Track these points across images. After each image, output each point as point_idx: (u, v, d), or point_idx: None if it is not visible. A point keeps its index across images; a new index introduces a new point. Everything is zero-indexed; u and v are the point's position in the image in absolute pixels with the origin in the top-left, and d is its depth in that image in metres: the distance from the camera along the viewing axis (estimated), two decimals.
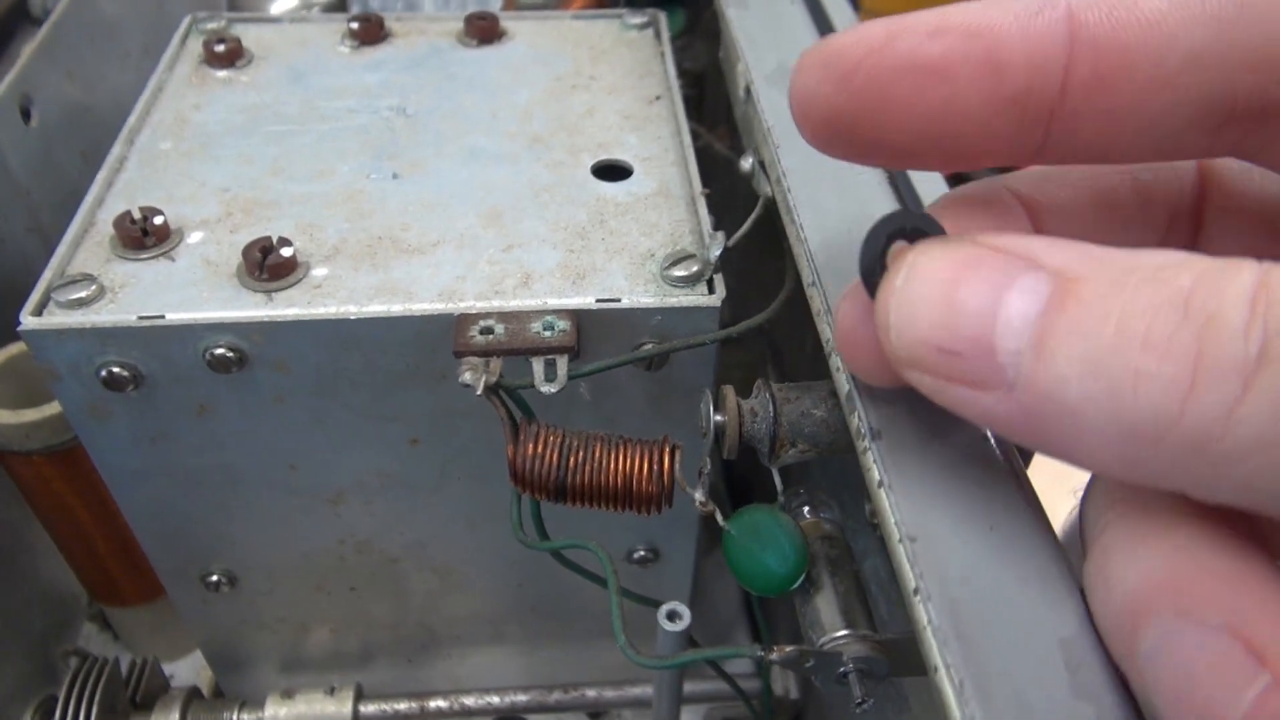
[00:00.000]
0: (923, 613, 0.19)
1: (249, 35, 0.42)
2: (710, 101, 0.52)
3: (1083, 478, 0.19)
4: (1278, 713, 0.13)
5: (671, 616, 0.35)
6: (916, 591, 0.19)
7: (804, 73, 0.19)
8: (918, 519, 0.20)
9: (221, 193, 0.34)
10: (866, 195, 0.30)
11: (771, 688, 0.43)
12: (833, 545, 0.28)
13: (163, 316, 0.29)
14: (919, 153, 0.20)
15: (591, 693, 0.43)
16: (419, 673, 0.45)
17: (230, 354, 0.29)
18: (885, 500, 0.20)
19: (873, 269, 0.19)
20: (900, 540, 0.20)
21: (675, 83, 0.40)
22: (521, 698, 0.42)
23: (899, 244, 0.19)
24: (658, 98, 0.40)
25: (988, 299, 0.16)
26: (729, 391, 0.27)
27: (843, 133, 0.19)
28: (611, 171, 0.36)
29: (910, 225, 0.19)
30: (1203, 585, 0.15)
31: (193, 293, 0.30)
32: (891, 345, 0.18)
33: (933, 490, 0.20)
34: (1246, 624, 0.14)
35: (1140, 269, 0.15)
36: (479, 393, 0.27)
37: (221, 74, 0.40)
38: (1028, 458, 0.26)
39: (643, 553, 0.39)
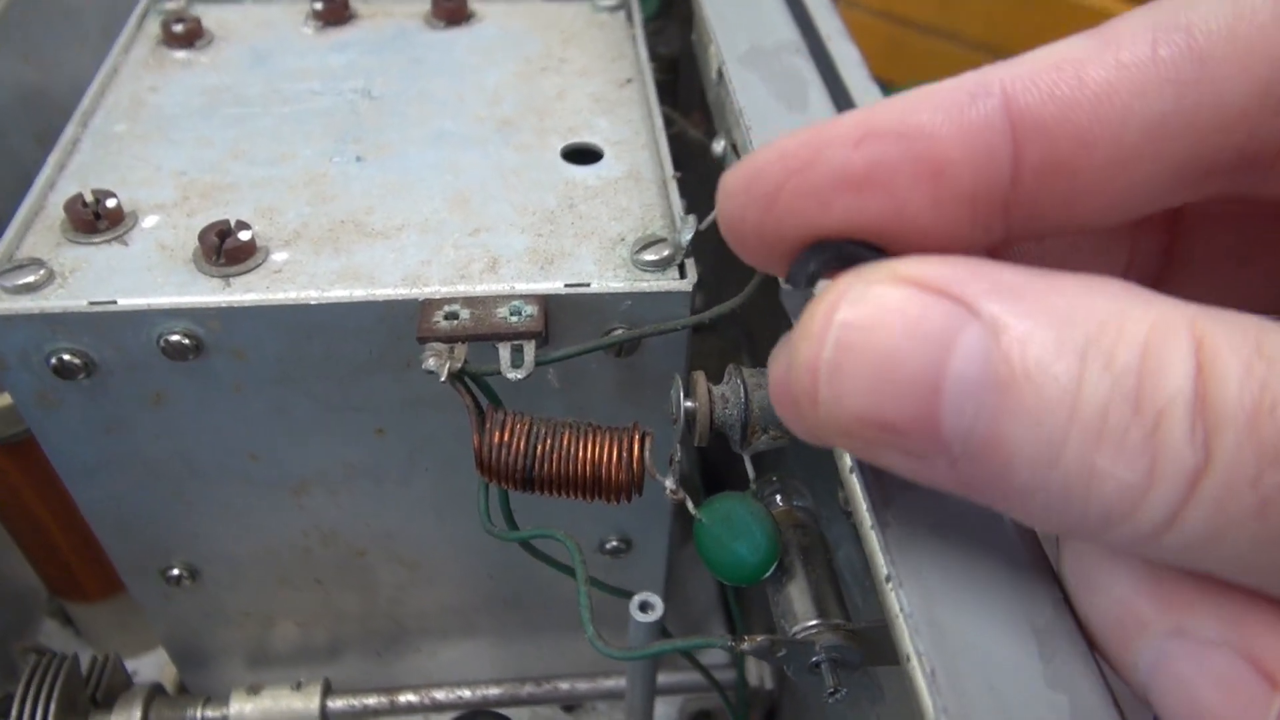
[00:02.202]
0: (895, 600, 0.18)
1: (209, 16, 0.41)
2: (684, 87, 0.51)
3: None
4: None
5: (644, 607, 0.34)
6: (889, 579, 0.18)
7: (728, 198, 0.18)
8: (891, 505, 0.19)
9: (178, 176, 0.33)
10: None
11: (747, 679, 0.43)
12: (805, 534, 0.28)
13: (115, 302, 0.28)
14: None
15: (565, 685, 0.42)
16: (389, 667, 0.44)
17: (186, 341, 0.28)
18: (857, 485, 0.20)
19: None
20: (872, 526, 0.19)
21: (647, 66, 0.39)
22: (493, 691, 0.42)
23: (823, 283, 0.17)
24: (629, 81, 0.39)
25: (929, 368, 0.14)
26: (700, 377, 0.27)
27: (778, 251, 0.17)
28: (581, 155, 0.35)
29: (843, 253, 0.17)
30: (1196, 597, 0.14)
31: (146, 278, 0.29)
32: (819, 419, 0.16)
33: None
34: (1251, 641, 0.14)
35: (1079, 327, 0.13)
36: (443, 379, 0.27)
37: (180, 55, 0.39)
38: None
39: (615, 543, 0.38)
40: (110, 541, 0.35)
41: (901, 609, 0.18)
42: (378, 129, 0.36)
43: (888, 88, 1.03)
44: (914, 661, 0.17)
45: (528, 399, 0.32)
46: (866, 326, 0.15)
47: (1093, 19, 0.16)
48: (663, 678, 0.43)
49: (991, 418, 0.14)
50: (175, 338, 0.28)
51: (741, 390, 0.26)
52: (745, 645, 0.25)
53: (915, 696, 0.17)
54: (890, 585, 0.18)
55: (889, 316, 0.15)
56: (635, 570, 0.39)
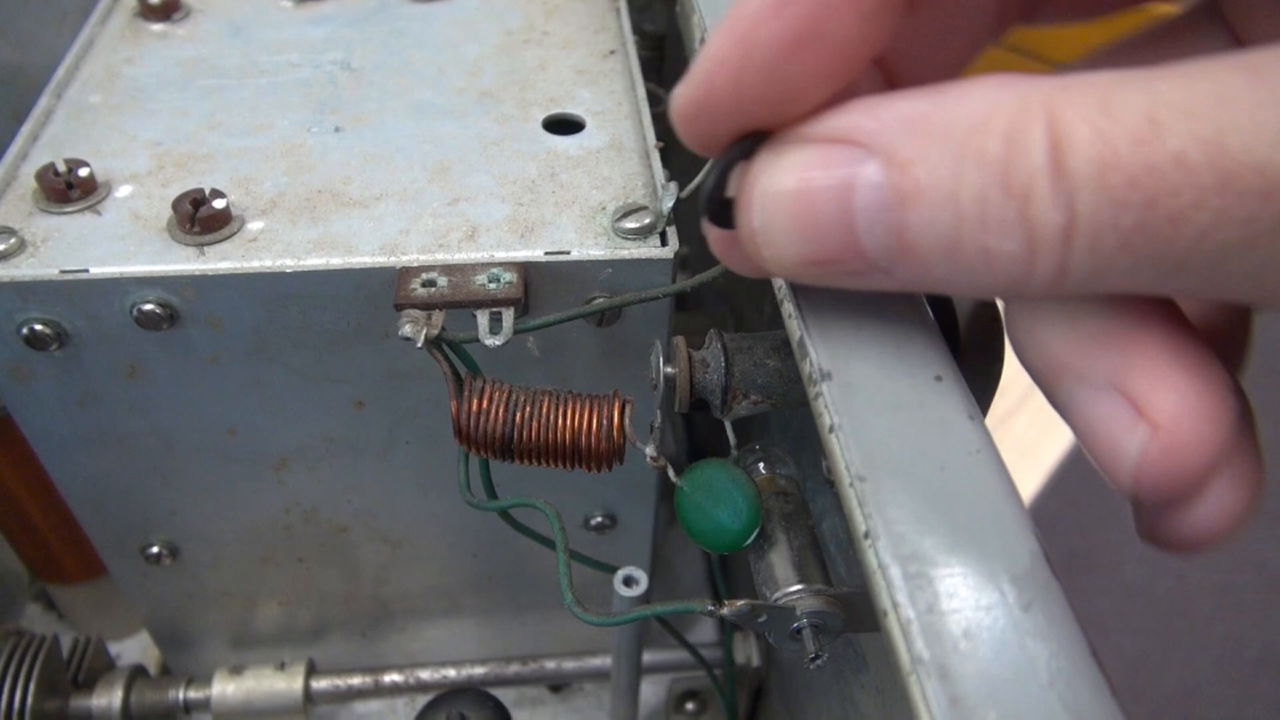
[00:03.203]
0: (871, 556, 0.18)
1: None
2: (670, 64, 0.51)
3: None
4: (1159, 452, 0.16)
5: (628, 581, 0.34)
6: (866, 535, 0.18)
7: (686, 123, 0.19)
8: (867, 460, 0.19)
9: (153, 146, 0.32)
10: None
11: (734, 657, 0.43)
12: (787, 501, 0.27)
13: (87, 270, 0.28)
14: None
15: (551, 664, 0.42)
16: (374, 646, 0.43)
17: (159, 310, 0.28)
18: (835, 444, 0.20)
19: (715, 207, 0.20)
20: (850, 484, 0.19)
21: (630, 37, 0.39)
22: (479, 670, 0.41)
23: (739, 166, 0.19)
24: (612, 52, 0.38)
25: (839, 210, 0.17)
26: (680, 342, 0.27)
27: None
28: (563, 125, 0.35)
29: (746, 147, 0.19)
30: (1095, 349, 0.17)
31: (119, 246, 0.28)
32: (771, 269, 0.19)
33: (883, 431, 0.20)
34: (1129, 383, 0.17)
35: (956, 134, 0.16)
36: (419, 345, 0.26)
37: (157, 27, 0.38)
38: (986, 404, 0.25)
39: (600, 519, 0.38)
40: (88, 519, 0.35)
41: (878, 564, 0.18)
42: (357, 100, 0.35)
43: None
44: (890, 615, 0.17)
45: (509, 368, 0.32)
46: (781, 189, 0.18)
47: None
48: (650, 656, 0.42)
49: (898, 232, 0.17)
50: (149, 307, 0.28)
51: (722, 355, 0.25)
52: (726, 610, 0.24)
53: (892, 650, 0.17)
54: (868, 541, 0.18)
55: (797, 175, 0.18)
56: (621, 547, 0.39)
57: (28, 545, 0.43)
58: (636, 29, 0.40)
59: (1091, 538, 1.75)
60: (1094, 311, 0.17)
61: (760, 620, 0.25)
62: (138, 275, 0.28)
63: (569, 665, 0.42)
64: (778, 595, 0.25)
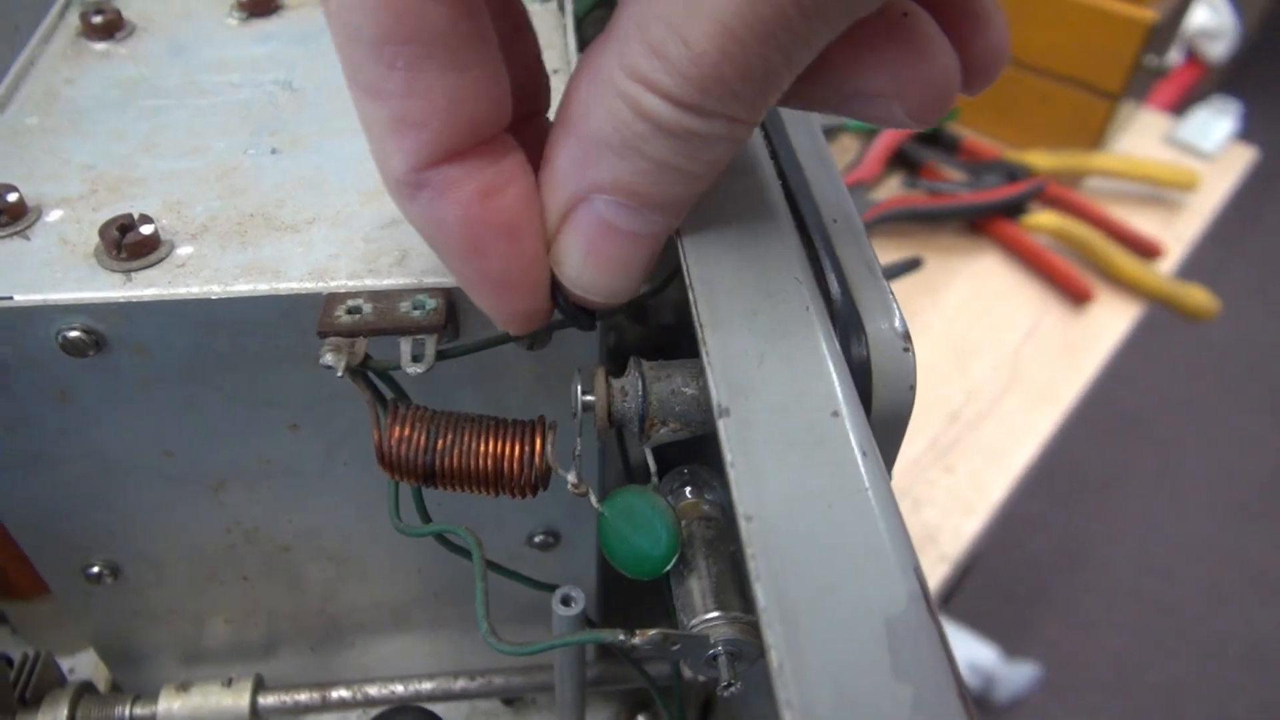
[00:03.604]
0: (757, 594, 0.18)
1: (131, 7, 0.40)
2: None
3: None
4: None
5: (566, 601, 0.34)
6: (753, 574, 0.18)
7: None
8: (757, 497, 0.19)
9: (86, 170, 0.32)
10: (746, 164, 0.29)
11: (681, 672, 0.43)
12: (709, 526, 0.28)
13: (11, 298, 0.28)
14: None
15: (499, 679, 0.42)
16: (326, 662, 0.44)
17: (85, 337, 0.28)
18: (731, 478, 0.20)
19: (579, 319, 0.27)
20: (739, 519, 0.19)
21: (575, 56, 0.39)
22: (426, 686, 0.41)
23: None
24: (555, 71, 0.39)
25: (611, 228, 0.24)
26: (600, 371, 0.27)
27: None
28: None
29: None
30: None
31: (46, 273, 0.29)
32: (613, 300, 0.26)
33: (775, 469, 0.20)
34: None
35: (598, 134, 0.21)
36: (339, 374, 0.26)
37: (99, 46, 0.38)
38: (891, 435, 0.25)
39: (542, 537, 0.38)
40: (26, 539, 0.35)
41: (760, 605, 0.18)
42: (296, 121, 0.35)
43: None
44: (769, 655, 0.17)
45: (444, 394, 0.32)
46: (575, 258, 0.24)
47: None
48: (601, 669, 0.42)
49: (644, 198, 0.23)
50: (74, 334, 0.28)
51: (640, 383, 0.26)
52: (637, 639, 0.25)
53: (771, 690, 0.17)
54: (754, 580, 0.18)
55: (581, 245, 0.24)
56: (566, 564, 0.39)
57: None
58: (582, 47, 0.40)
59: (1079, 535, 1.76)
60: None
61: (675, 648, 0.25)
62: (62, 303, 0.28)
63: (517, 680, 0.42)
64: (695, 622, 0.26)
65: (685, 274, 0.24)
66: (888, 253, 0.84)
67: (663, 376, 0.26)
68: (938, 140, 0.90)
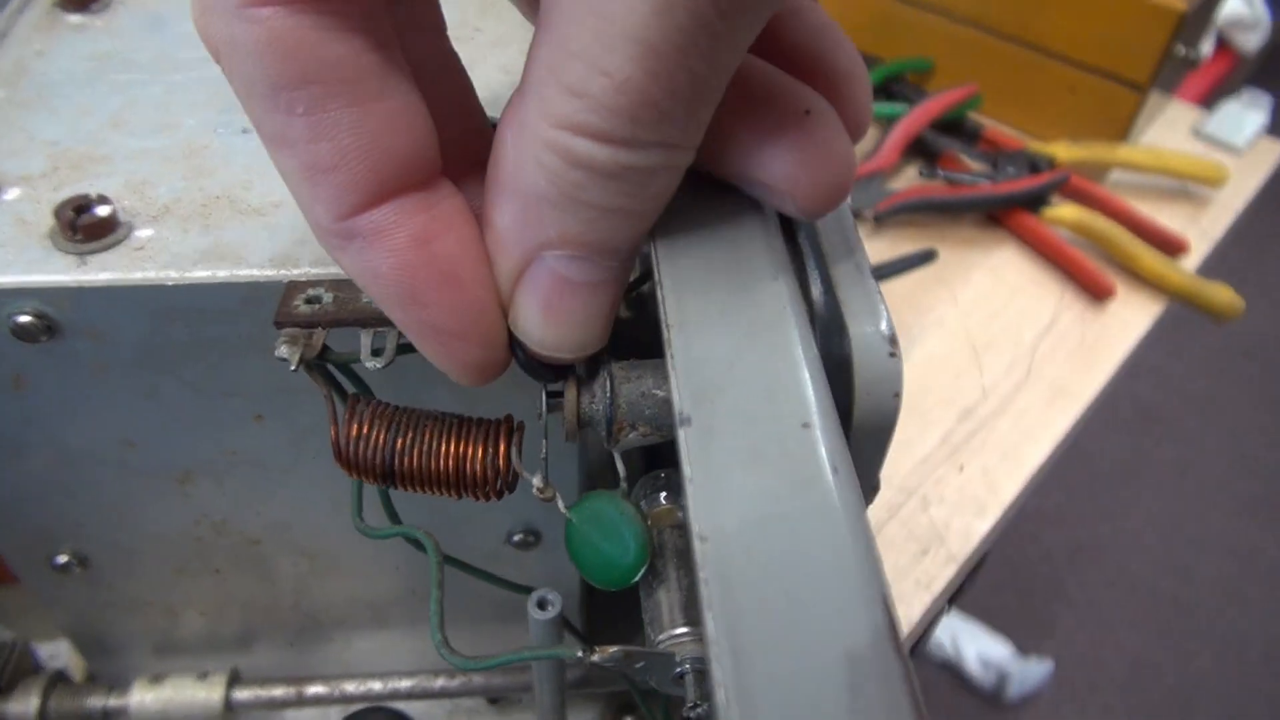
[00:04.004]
0: (708, 625, 0.17)
1: None
2: None
3: None
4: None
5: (542, 604, 0.33)
6: (704, 601, 0.17)
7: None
8: (714, 516, 0.18)
9: (51, 146, 0.31)
10: None
11: None
12: (683, 535, 0.26)
13: None
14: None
15: (479, 679, 0.41)
16: (303, 657, 0.43)
17: (36, 321, 0.27)
18: (688, 494, 0.18)
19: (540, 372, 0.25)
20: (693, 539, 0.18)
21: None
22: (405, 683, 0.40)
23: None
24: None
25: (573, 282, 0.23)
26: (569, 374, 0.25)
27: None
28: None
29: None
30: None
31: None
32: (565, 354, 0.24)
33: (736, 485, 0.18)
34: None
35: (530, 188, 0.20)
36: (293, 368, 0.25)
37: (74, 19, 0.37)
38: (875, 455, 0.24)
39: (521, 536, 0.37)
40: None
41: (711, 635, 0.16)
42: None
43: (876, 63, 0.99)
44: (716, 691, 0.16)
45: (414, 391, 0.30)
46: (532, 316, 0.23)
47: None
48: (587, 672, 0.41)
49: (593, 249, 0.21)
50: (24, 319, 0.27)
51: (608, 384, 0.24)
52: (596, 656, 0.23)
53: None
54: (706, 608, 0.17)
55: (537, 304, 0.23)
56: (548, 564, 0.38)
57: None
58: None
59: (1095, 532, 1.73)
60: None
61: (639, 666, 0.24)
62: (11, 286, 0.27)
63: (498, 680, 0.41)
64: (662, 638, 0.24)
65: (654, 270, 0.22)
66: (902, 244, 0.81)
67: (633, 378, 0.24)
68: (958, 129, 0.88)
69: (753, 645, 0.16)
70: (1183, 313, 0.83)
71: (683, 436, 0.19)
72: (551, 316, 0.22)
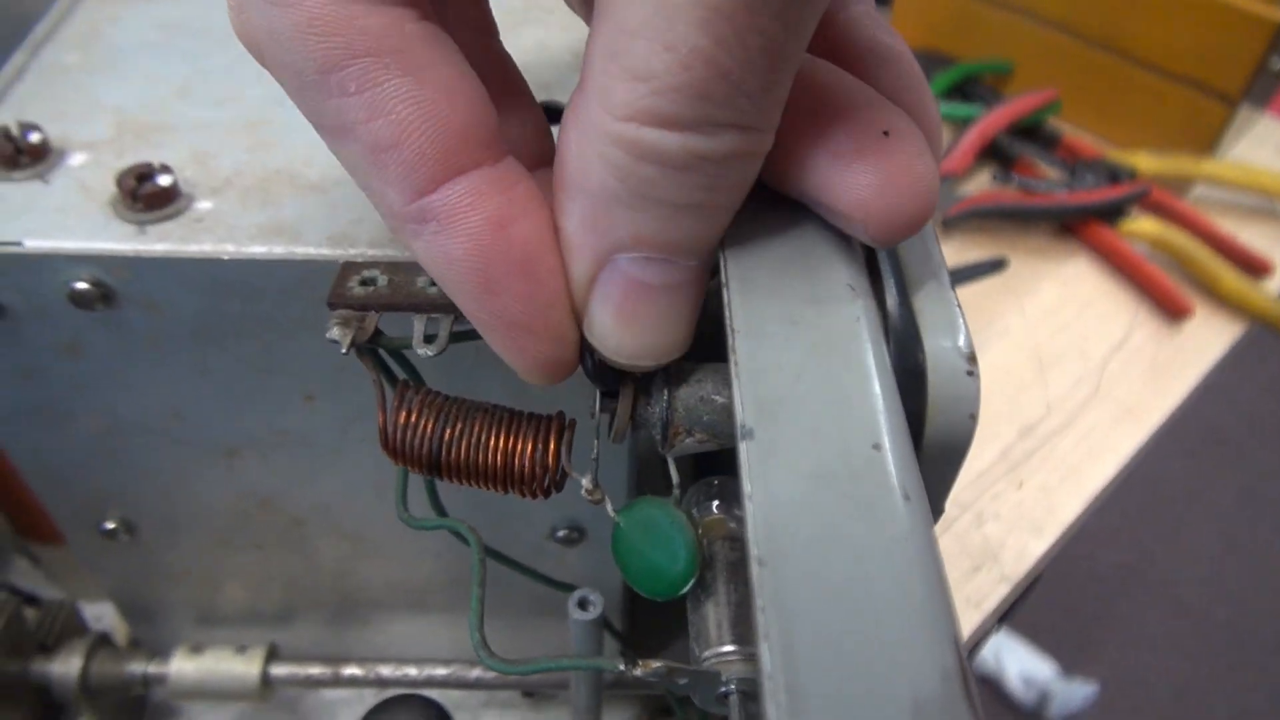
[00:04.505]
0: (764, 657, 0.16)
1: None
2: None
3: None
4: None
5: (583, 604, 0.32)
6: (760, 631, 0.16)
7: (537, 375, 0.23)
8: (771, 540, 0.17)
9: (117, 113, 0.31)
10: None
11: None
12: (735, 547, 0.25)
13: (20, 243, 0.26)
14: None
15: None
16: (341, 637, 0.42)
17: (93, 289, 0.27)
18: (747, 512, 0.17)
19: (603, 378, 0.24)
20: (751, 562, 0.17)
21: None
22: (440, 671, 0.40)
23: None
24: None
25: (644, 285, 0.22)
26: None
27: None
28: (549, 113, 0.32)
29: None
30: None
31: (59, 219, 0.27)
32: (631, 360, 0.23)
33: (798, 506, 0.17)
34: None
35: (596, 195, 0.19)
36: (344, 350, 0.24)
37: None
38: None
39: (566, 532, 0.36)
40: (43, 490, 0.34)
41: (766, 669, 0.15)
42: None
43: (955, 62, 0.96)
44: None
45: (466, 380, 0.30)
46: (609, 320, 0.21)
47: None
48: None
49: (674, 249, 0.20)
50: (82, 285, 0.27)
51: (664, 387, 0.23)
52: (639, 671, 0.22)
53: None
54: (762, 639, 0.16)
55: (611, 313, 0.21)
56: (590, 561, 0.37)
57: (5, 503, 0.43)
58: None
59: (1151, 554, 1.68)
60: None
61: (682, 683, 0.23)
62: (70, 252, 0.26)
63: (535, 676, 0.40)
64: (707, 654, 0.23)
65: (722, 271, 0.21)
66: (971, 251, 0.79)
67: (691, 381, 0.23)
68: (1035, 135, 0.85)
69: (811, 684, 0.15)
70: (1262, 336, 0.80)
71: (744, 450, 0.18)
72: (629, 323, 0.21)
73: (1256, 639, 1.60)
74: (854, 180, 0.20)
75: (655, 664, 0.23)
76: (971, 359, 0.22)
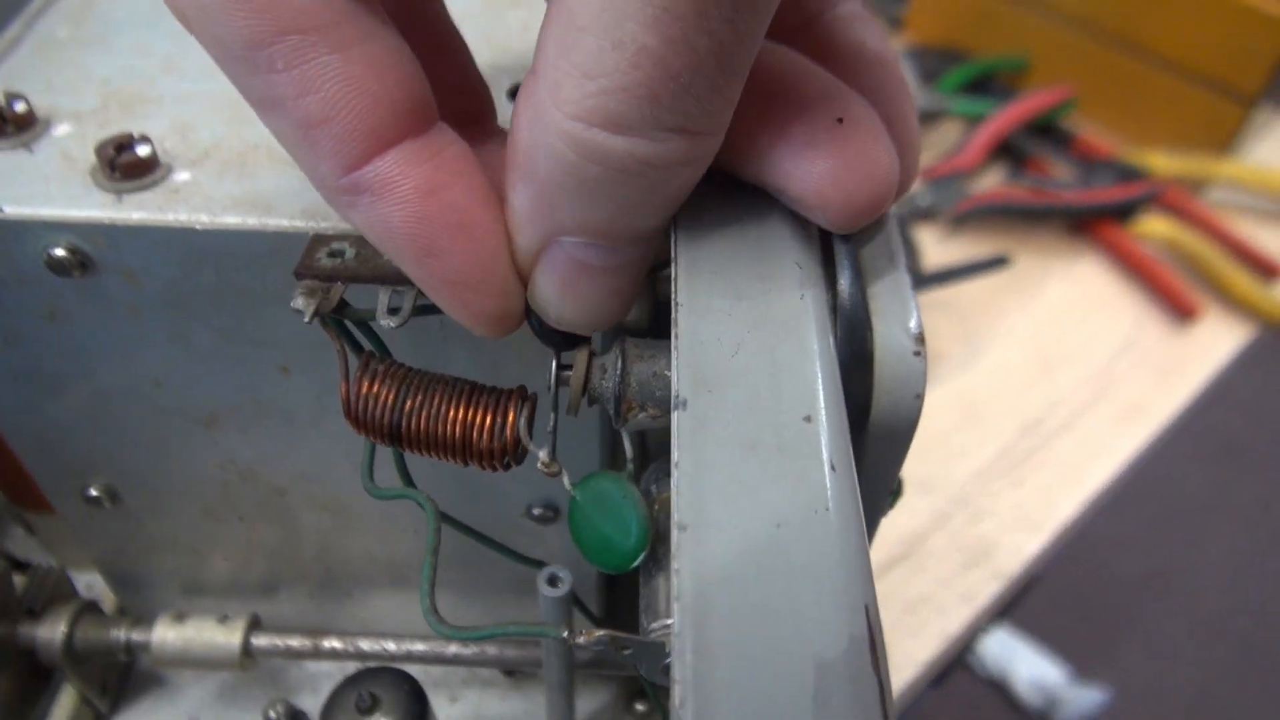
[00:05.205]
0: (677, 616, 0.16)
1: None
2: None
3: None
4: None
5: (552, 581, 0.32)
6: (675, 593, 0.16)
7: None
8: (696, 505, 0.17)
9: (103, 85, 0.32)
10: None
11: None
12: None
13: (1, 209, 0.27)
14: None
15: (493, 650, 0.41)
16: (324, 609, 0.43)
17: (70, 256, 0.27)
18: (673, 480, 0.18)
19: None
20: (673, 527, 0.17)
21: None
22: (419, 646, 0.40)
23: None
24: None
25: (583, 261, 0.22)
26: (585, 344, 0.25)
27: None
28: None
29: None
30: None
31: (40, 187, 0.28)
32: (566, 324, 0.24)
33: (725, 475, 0.17)
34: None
35: (538, 172, 0.20)
36: (308, 320, 0.25)
37: None
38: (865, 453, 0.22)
39: (541, 510, 0.36)
40: (27, 455, 0.35)
41: (675, 626, 0.15)
42: None
43: (971, 58, 0.96)
44: (675, 687, 0.15)
45: (434, 354, 0.30)
46: (549, 290, 0.22)
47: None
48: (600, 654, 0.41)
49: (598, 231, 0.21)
50: (59, 252, 0.27)
51: (620, 361, 0.23)
52: (581, 639, 0.23)
53: None
54: (675, 599, 0.16)
55: (556, 280, 0.22)
56: (566, 539, 0.37)
57: (1, 471, 0.44)
58: None
59: (1167, 562, 1.67)
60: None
61: (626, 653, 0.23)
62: (49, 219, 0.27)
63: (512, 653, 0.40)
64: (654, 626, 0.23)
65: (672, 248, 0.22)
66: (979, 248, 0.79)
67: (646, 356, 0.23)
68: (1050, 133, 0.84)
69: (719, 644, 0.15)
70: (1273, 340, 0.79)
71: (676, 420, 0.18)
72: (570, 296, 0.22)
73: (1275, 651, 1.58)
74: (809, 167, 0.20)
75: (598, 633, 0.23)
76: (919, 340, 0.22)
